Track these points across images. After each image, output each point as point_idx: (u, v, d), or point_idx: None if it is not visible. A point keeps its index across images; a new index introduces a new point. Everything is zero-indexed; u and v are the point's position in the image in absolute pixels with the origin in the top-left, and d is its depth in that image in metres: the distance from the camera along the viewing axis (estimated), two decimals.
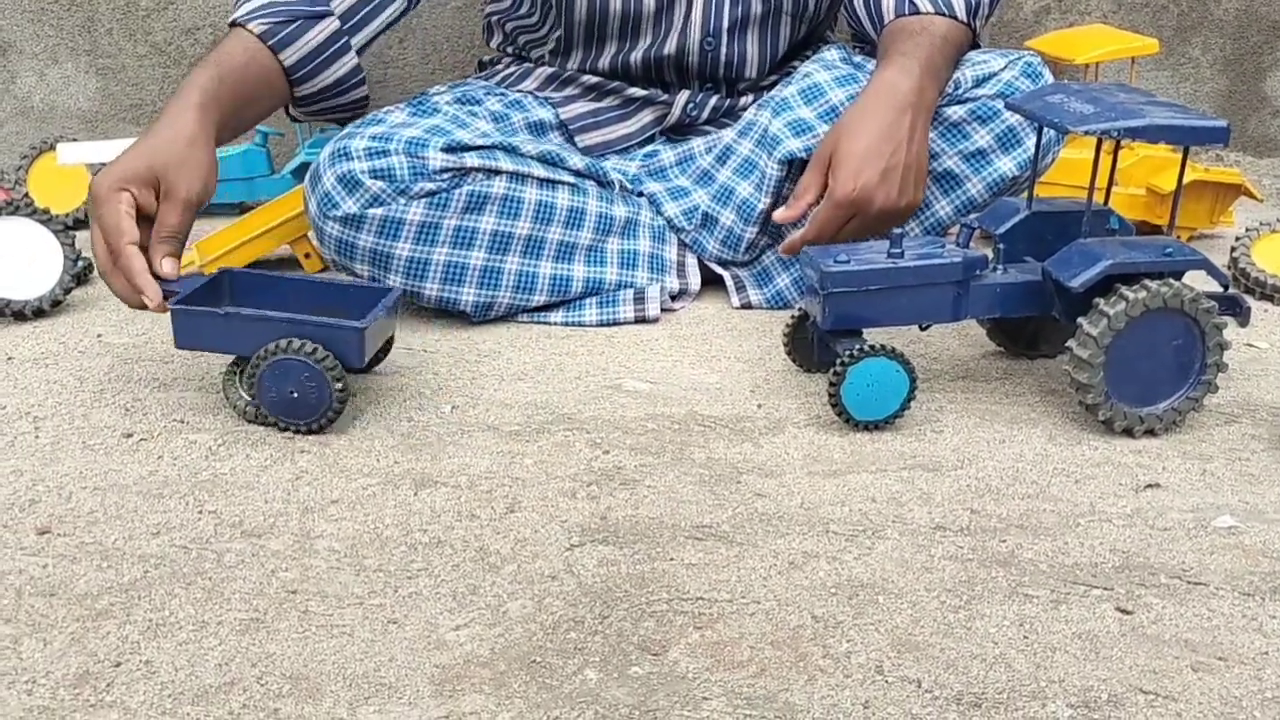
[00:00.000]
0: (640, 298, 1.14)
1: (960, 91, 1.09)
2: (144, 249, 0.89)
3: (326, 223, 1.07)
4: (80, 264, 1.17)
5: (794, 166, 1.11)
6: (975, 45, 1.14)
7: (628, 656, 0.64)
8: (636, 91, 1.22)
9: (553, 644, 0.65)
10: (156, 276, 0.89)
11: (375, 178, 1.06)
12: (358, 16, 1.10)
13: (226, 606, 0.68)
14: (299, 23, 1.05)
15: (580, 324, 1.13)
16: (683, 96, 1.22)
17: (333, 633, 0.66)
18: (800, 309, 0.99)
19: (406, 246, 1.07)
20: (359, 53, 1.11)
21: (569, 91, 1.24)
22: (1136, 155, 1.34)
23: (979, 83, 1.10)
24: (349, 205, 1.06)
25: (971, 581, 0.71)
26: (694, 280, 1.18)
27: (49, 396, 0.95)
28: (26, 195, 1.25)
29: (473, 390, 0.98)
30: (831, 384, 0.88)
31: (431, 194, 1.07)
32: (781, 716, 0.60)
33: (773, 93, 1.18)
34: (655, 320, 1.13)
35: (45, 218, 1.15)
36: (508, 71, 1.28)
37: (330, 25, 1.07)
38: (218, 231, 1.26)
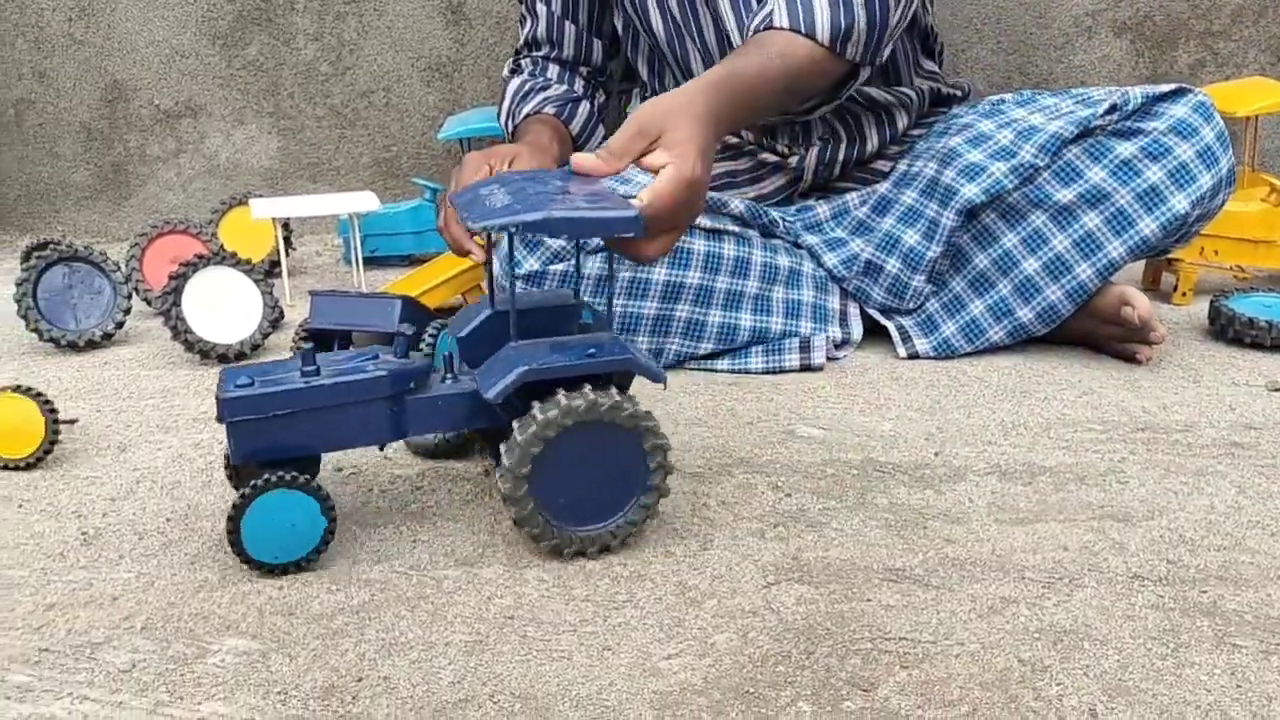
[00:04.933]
0: (805, 346, 1.17)
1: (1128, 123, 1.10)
2: None
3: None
4: (276, 310, 1.25)
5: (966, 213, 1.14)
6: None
7: (838, 692, 0.66)
8: (769, 157, 1.26)
9: (763, 676, 0.68)
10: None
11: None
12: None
13: (451, 629, 0.72)
14: (570, 104, 1.29)
15: (746, 371, 1.16)
16: (812, 155, 1.25)
17: (552, 656, 0.69)
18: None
19: (585, 299, 1.12)
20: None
21: None
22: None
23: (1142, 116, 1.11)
24: (531, 263, 1.11)
25: (1176, 630, 0.71)
26: (856, 330, 1.21)
27: None
28: (223, 247, 1.35)
29: None
30: (229, 526, 0.76)
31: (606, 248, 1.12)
32: None
33: (930, 144, 1.21)
34: (820, 368, 1.16)
35: (247, 267, 1.24)
36: None
37: (586, 106, 1.30)
38: (393, 282, 1.34)
